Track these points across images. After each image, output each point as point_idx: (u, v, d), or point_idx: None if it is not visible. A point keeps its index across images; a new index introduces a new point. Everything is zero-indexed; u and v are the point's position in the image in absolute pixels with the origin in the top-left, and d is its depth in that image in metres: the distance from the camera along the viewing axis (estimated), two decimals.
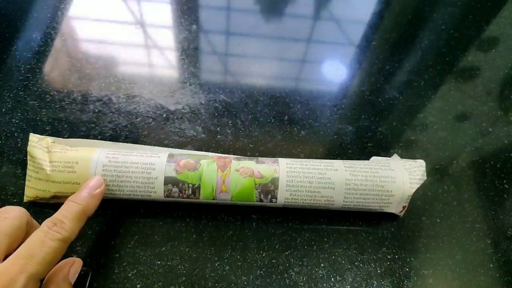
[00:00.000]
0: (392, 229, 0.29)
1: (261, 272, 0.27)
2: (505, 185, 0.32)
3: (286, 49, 0.42)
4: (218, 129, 0.34)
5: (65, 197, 0.24)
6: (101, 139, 0.32)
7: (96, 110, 0.34)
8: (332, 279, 0.27)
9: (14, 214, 0.21)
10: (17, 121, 0.32)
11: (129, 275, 0.26)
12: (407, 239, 0.29)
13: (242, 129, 0.34)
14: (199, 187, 0.26)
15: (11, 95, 0.34)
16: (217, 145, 0.33)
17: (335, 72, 0.40)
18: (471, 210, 0.31)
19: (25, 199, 0.27)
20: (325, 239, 0.28)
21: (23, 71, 0.36)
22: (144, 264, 0.26)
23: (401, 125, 0.36)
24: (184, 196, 0.26)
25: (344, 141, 0.34)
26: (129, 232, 0.27)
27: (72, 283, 0.22)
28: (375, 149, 0.34)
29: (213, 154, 0.31)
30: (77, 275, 0.23)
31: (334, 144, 0.34)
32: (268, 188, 0.26)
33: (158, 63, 0.40)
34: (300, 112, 0.36)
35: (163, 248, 0.27)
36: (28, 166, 0.27)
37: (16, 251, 0.19)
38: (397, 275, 0.27)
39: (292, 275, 0.27)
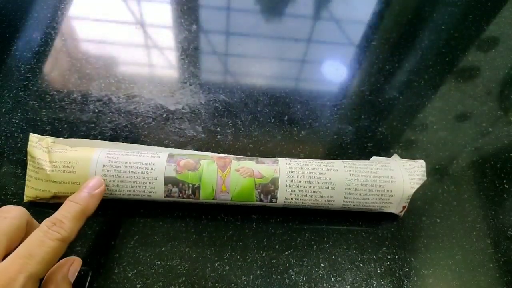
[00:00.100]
0: (392, 229, 0.29)
1: (261, 272, 0.27)
2: (505, 185, 0.32)
3: (286, 49, 0.42)
4: (218, 129, 0.34)
5: (65, 197, 0.24)
6: (101, 139, 0.32)
7: (96, 110, 0.34)
8: (332, 279, 0.27)
9: (14, 214, 0.21)
10: (17, 121, 0.32)
11: (129, 275, 0.26)
12: (407, 239, 0.29)
13: (242, 129, 0.34)
14: (199, 187, 0.26)
15: (11, 95, 0.34)
16: (217, 145, 0.33)
17: (335, 72, 0.40)
18: (471, 210, 0.31)
19: (25, 199, 0.27)
20: (325, 239, 0.28)
21: (23, 71, 0.36)
22: (144, 264, 0.26)
23: (401, 125, 0.36)
24: (184, 196, 0.26)
25: (344, 141, 0.34)
26: (129, 232, 0.27)
27: (72, 282, 0.22)
28: (375, 149, 0.34)
29: (213, 154, 0.31)
30: (76, 274, 0.23)
31: (334, 144, 0.34)
32: (268, 188, 0.26)
33: (158, 63, 0.40)
34: (300, 112, 0.36)
35: (163, 248, 0.27)
36: (28, 166, 0.27)
37: (16, 250, 0.19)
38: (397, 275, 0.27)
39: (292, 275, 0.27)
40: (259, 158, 0.28)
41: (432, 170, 0.33)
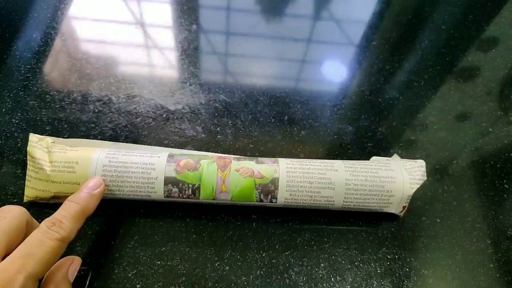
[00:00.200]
0: (392, 229, 0.29)
1: (261, 272, 0.27)
2: (505, 185, 0.32)
3: (286, 49, 0.42)
4: (218, 129, 0.34)
5: (65, 197, 0.24)
6: (101, 139, 0.32)
7: (96, 110, 0.34)
8: (332, 279, 0.27)
9: (13, 214, 0.21)
10: (17, 121, 0.32)
11: (129, 275, 0.26)
12: (407, 239, 0.29)
13: (242, 129, 0.34)
14: (199, 187, 0.26)
15: (11, 95, 0.34)
16: (217, 145, 0.33)
17: (335, 72, 0.40)
18: (471, 210, 0.31)
19: (25, 199, 0.27)
20: (325, 239, 0.28)
21: (23, 71, 0.36)
22: (144, 264, 0.26)
23: (401, 125, 0.36)
24: (184, 196, 0.26)
25: (344, 141, 0.34)
26: (129, 232, 0.27)
27: (71, 281, 0.22)
28: (375, 149, 0.34)
29: (213, 154, 0.31)
30: (76, 273, 0.23)
31: (334, 144, 0.34)
32: (268, 188, 0.26)
33: (158, 63, 0.40)
34: (300, 112, 0.36)
35: (163, 248, 0.27)
36: (28, 166, 0.27)
37: (15, 250, 0.20)
38: (397, 275, 0.27)
39: (292, 275, 0.27)
40: (259, 158, 0.28)
41: (432, 170, 0.33)
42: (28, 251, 0.19)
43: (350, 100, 0.37)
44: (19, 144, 0.31)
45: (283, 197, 0.27)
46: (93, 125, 0.33)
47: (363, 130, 0.35)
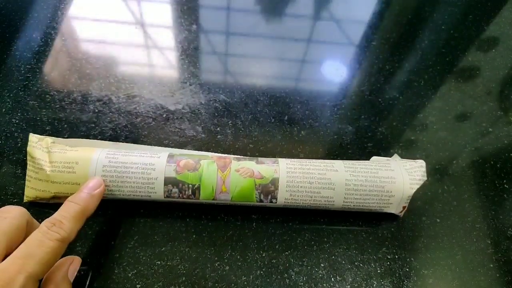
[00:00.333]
0: (392, 229, 0.29)
1: (261, 272, 0.27)
2: (505, 185, 0.32)
3: (286, 49, 0.42)
4: (218, 129, 0.34)
5: (65, 197, 0.24)
6: (101, 139, 0.32)
7: (96, 110, 0.34)
8: (332, 279, 0.27)
9: (13, 214, 0.21)
10: (17, 121, 0.32)
11: (129, 275, 0.26)
12: (407, 239, 0.29)
13: (242, 129, 0.34)
14: (199, 187, 0.26)
15: (11, 95, 0.34)
16: (217, 145, 0.33)
17: (335, 72, 0.40)
18: (471, 210, 0.31)
19: (25, 199, 0.27)
20: (325, 239, 0.28)
21: (23, 71, 0.36)
22: (144, 264, 0.26)
23: (401, 125, 0.36)
24: (184, 196, 0.26)
25: (344, 141, 0.34)
26: (129, 232, 0.27)
27: (71, 281, 0.22)
28: (375, 149, 0.34)
29: (213, 154, 0.31)
30: (76, 273, 0.23)
31: (334, 144, 0.34)
32: (268, 188, 0.26)
33: (158, 63, 0.40)
34: (300, 112, 0.36)
35: (163, 248, 0.27)
36: (28, 167, 0.27)
37: (15, 251, 0.20)
38: (397, 275, 0.27)
39: (292, 275, 0.27)
40: (259, 159, 0.28)
41: (432, 170, 0.33)
42: (28, 252, 0.19)
43: (350, 100, 0.37)
44: (19, 144, 0.31)
45: (283, 197, 0.27)
46: (93, 125, 0.33)
47: (363, 130, 0.35)
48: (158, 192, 0.26)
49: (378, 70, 0.40)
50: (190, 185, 0.26)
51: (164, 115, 0.34)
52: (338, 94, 0.38)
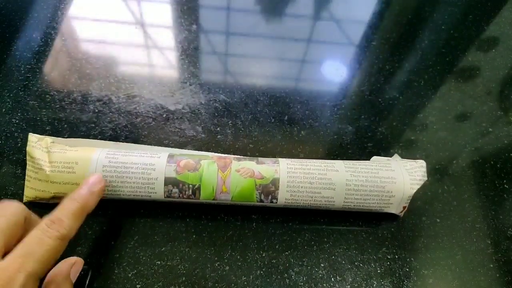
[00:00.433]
0: (392, 229, 0.29)
1: (261, 272, 0.27)
2: (505, 185, 0.32)
3: (286, 49, 0.42)
4: (218, 129, 0.34)
5: None
6: (101, 139, 0.32)
7: (96, 110, 0.34)
8: (332, 279, 0.27)
9: (11, 211, 0.21)
10: (17, 121, 0.32)
11: (129, 275, 0.26)
12: (407, 239, 0.29)
13: (242, 129, 0.34)
14: (199, 187, 0.26)
15: (11, 95, 0.34)
16: (217, 145, 0.33)
17: (335, 72, 0.40)
18: (471, 210, 0.31)
19: (25, 199, 0.27)
20: (325, 239, 0.28)
21: (23, 71, 0.36)
22: (144, 264, 0.26)
23: (401, 125, 0.36)
24: (185, 196, 0.26)
25: (344, 141, 0.34)
26: (129, 232, 0.27)
27: (73, 282, 0.22)
28: (375, 149, 0.34)
29: (213, 154, 0.31)
30: (78, 274, 0.23)
31: (334, 144, 0.34)
32: (269, 188, 0.26)
33: (158, 63, 0.40)
34: (300, 112, 0.36)
35: (163, 248, 0.27)
36: (27, 167, 0.27)
37: (14, 249, 0.19)
38: (397, 275, 0.27)
39: (292, 275, 0.27)
40: (260, 159, 0.28)
41: (432, 170, 0.33)
42: (28, 250, 0.19)
43: (350, 100, 0.37)
44: (19, 144, 0.31)
45: (283, 197, 0.27)
46: (93, 125, 0.33)
47: (363, 130, 0.35)
48: (158, 192, 0.26)
49: (378, 70, 0.40)
50: (190, 185, 0.26)
51: (164, 115, 0.34)
52: (338, 94, 0.38)
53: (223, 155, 0.31)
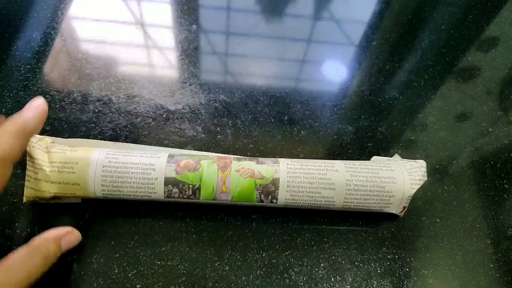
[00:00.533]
0: (392, 229, 0.29)
1: (261, 272, 0.27)
2: (505, 185, 0.32)
3: (286, 49, 0.42)
4: (218, 129, 0.34)
5: (65, 197, 0.24)
6: (101, 139, 0.32)
7: (96, 110, 0.34)
8: (332, 279, 0.27)
9: None
10: None
11: (129, 275, 0.26)
12: (407, 239, 0.29)
13: (242, 129, 0.34)
14: (199, 187, 0.26)
15: (11, 95, 0.34)
16: (217, 145, 0.33)
17: (335, 72, 0.40)
18: (471, 210, 0.31)
19: (25, 199, 0.27)
20: (325, 239, 0.28)
21: (23, 71, 0.36)
22: (144, 264, 0.26)
23: (401, 125, 0.36)
24: (185, 196, 0.26)
25: (344, 141, 0.34)
26: (129, 232, 0.27)
27: (63, 250, 0.22)
28: (375, 149, 0.34)
29: (213, 154, 0.31)
30: (70, 245, 0.23)
31: (334, 144, 0.34)
32: (269, 188, 0.26)
33: (158, 63, 0.40)
34: (300, 112, 0.36)
35: (163, 248, 0.27)
36: (27, 167, 0.26)
37: None
38: (397, 275, 0.27)
39: (292, 275, 0.27)
40: (260, 159, 0.28)
41: (432, 170, 0.33)
42: None
43: (350, 100, 0.37)
44: None
45: (283, 197, 0.27)
46: (93, 125, 0.33)
47: (363, 130, 0.35)
48: (158, 192, 0.26)
49: (378, 70, 0.40)
50: (190, 185, 0.26)
51: (164, 115, 0.34)
52: (338, 94, 0.38)
53: (223, 155, 0.31)
